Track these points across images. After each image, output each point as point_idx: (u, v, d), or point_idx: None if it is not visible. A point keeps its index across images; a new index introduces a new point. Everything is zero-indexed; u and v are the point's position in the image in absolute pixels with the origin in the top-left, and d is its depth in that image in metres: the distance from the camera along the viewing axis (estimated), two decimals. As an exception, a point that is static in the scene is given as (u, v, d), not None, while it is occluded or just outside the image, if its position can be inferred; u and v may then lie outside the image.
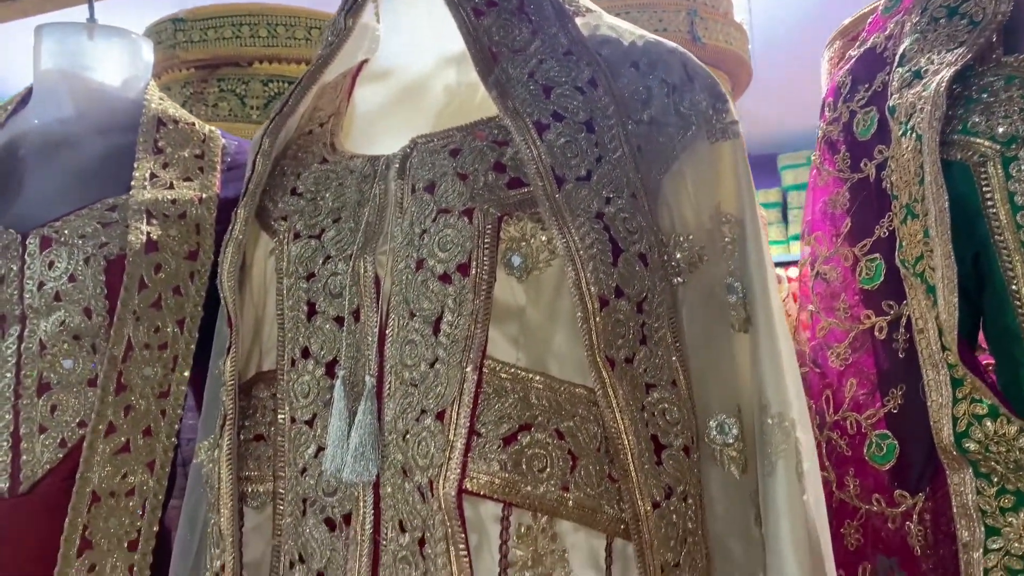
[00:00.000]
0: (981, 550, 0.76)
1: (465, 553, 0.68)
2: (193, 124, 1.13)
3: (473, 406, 0.71)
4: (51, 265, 0.98)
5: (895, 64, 0.85)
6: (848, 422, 0.89)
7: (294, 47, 1.67)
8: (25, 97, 1.15)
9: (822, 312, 0.94)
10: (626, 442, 0.71)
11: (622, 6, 1.74)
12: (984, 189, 0.76)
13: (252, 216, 0.85)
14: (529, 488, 0.70)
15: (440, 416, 0.72)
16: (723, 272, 0.80)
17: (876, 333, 0.87)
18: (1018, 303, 0.76)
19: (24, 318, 0.97)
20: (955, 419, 0.76)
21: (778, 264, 2.36)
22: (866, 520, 0.87)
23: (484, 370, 0.72)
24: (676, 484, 0.74)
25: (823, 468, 0.89)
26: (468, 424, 0.71)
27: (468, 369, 0.72)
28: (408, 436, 0.73)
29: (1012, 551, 0.75)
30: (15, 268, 0.98)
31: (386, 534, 0.73)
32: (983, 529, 0.76)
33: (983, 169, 0.76)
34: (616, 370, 0.72)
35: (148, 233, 0.99)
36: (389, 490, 0.73)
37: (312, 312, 0.81)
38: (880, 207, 0.86)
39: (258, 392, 0.85)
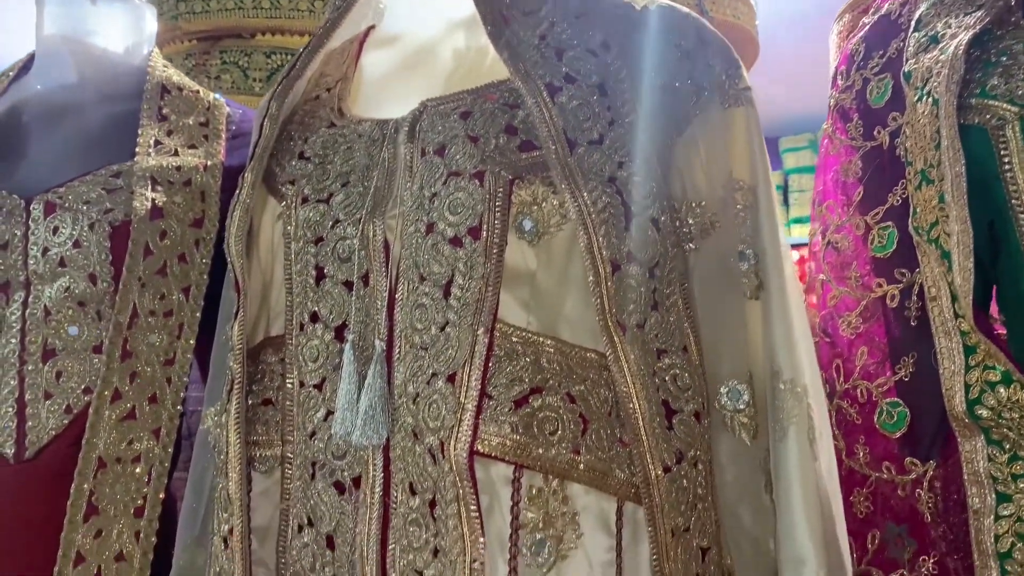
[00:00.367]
0: (992, 516, 0.76)
1: (476, 514, 0.68)
2: (197, 92, 1.12)
3: (484, 369, 0.71)
4: (55, 231, 0.97)
5: (911, 29, 0.84)
6: (859, 391, 0.89)
7: (297, 19, 1.64)
8: (27, 63, 1.13)
9: (833, 281, 0.94)
10: (637, 407, 0.71)
11: (630, -22, 1.72)
12: (1002, 152, 0.76)
13: (259, 180, 0.84)
14: (540, 450, 0.70)
15: (451, 379, 0.71)
16: (735, 239, 0.79)
17: (888, 302, 0.86)
18: (1034, 268, 0.76)
19: (28, 284, 0.96)
20: (967, 386, 0.76)
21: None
22: (876, 488, 0.87)
23: (495, 333, 0.71)
24: (687, 449, 0.74)
25: (833, 437, 0.88)
26: (479, 386, 0.70)
27: (479, 332, 0.71)
28: (418, 399, 0.72)
29: (1023, 517, 0.75)
30: (19, 233, 0.97)
31: (396, 497, 0.73)
32: (994, 496, 0.76)
33: (1001, 132, 0.76)
34: (627, 335, 0.71)
35: (153, 200, 0.98)
36: (399, 453, 0.73)
37: (320, 276, 0.81)
38: (893, 175, 0.86)
39: (266, 357, 0.85)
